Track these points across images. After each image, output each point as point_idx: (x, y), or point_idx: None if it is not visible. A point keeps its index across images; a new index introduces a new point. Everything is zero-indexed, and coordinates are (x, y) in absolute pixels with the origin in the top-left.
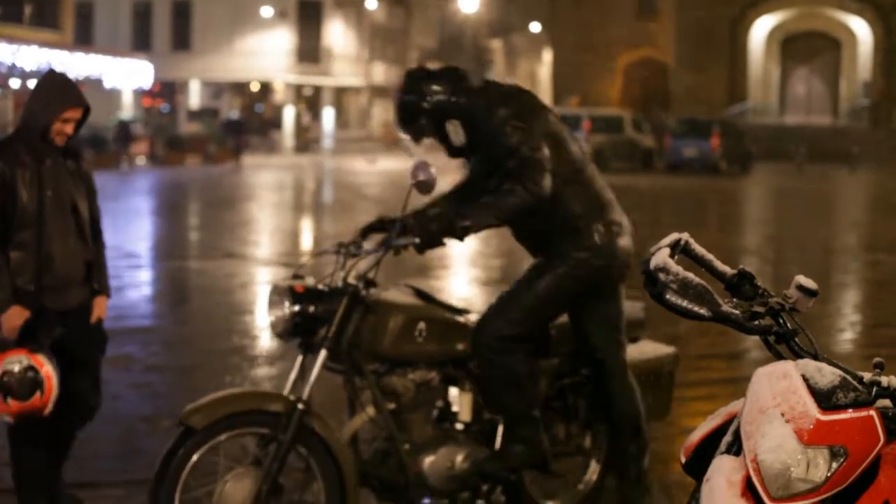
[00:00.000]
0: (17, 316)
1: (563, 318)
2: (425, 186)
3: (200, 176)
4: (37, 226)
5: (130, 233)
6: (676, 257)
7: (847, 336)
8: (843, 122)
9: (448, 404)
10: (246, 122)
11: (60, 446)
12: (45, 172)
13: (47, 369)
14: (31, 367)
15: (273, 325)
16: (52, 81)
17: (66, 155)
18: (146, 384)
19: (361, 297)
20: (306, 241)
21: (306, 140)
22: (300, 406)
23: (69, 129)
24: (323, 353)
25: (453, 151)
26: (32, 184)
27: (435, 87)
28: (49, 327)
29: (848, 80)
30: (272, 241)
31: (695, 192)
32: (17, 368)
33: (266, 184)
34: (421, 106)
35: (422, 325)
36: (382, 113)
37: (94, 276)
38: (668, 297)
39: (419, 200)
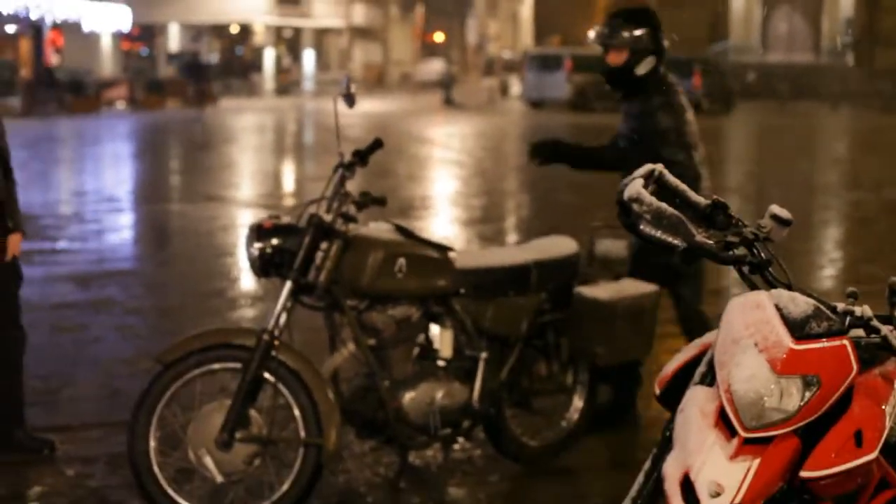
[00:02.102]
0: None
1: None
2: (351, 100)
3: (180, 119)
4: None
5: (110, 177)
6: (651, 188)
7: (828, 272)
8: (824, 59)
9: (429, 341)
10: (209, 65)
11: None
12: None
13: None
14: None
15: (251, 263)
16: None
17: None
18: (127, 326)
19: (336, 230)
20: (287, 183)
21: (286, 82)
22: (265, 337)
23: None
24: (288, 286)
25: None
26: None
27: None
28: None
29: (830, 17)
30: (253, 183)
31: None
32: None
33: (246, 127)
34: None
35: (402, 260)
36: (363, 54)
37: (8, 213)
38: (641, 227)
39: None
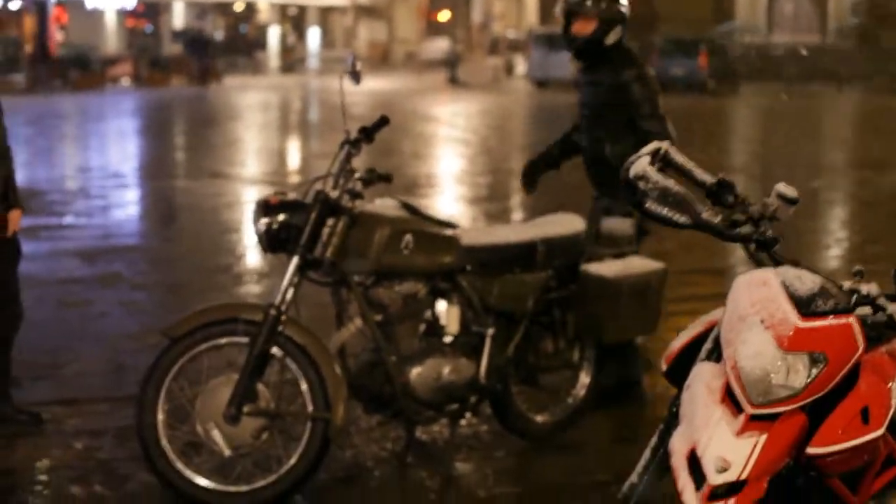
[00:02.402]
0: None
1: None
2: (356, 77)
3: (184, 96)
4: None
5: (115, 153)
6: (657, 166)
7: (834, 252)
8: (831, 40)
9: (435, 317)
10: (212, 41)
11: None
12: None
13: None
14: None
15: (258, 239)
16: None
17: None
18: (133, 302)
19: (342, 206)
20: (292, 161)
21: (291, 60)
22: (272, 311)
23: None
24: (294, 261)
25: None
26: None
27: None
28: None
29: None
30: (258, 160)
31: (682, 111)
32: None
33: (251, 104)
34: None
35: (408, 237)
36: (368, 32)
37: (8, 190)
38: (647, 205)
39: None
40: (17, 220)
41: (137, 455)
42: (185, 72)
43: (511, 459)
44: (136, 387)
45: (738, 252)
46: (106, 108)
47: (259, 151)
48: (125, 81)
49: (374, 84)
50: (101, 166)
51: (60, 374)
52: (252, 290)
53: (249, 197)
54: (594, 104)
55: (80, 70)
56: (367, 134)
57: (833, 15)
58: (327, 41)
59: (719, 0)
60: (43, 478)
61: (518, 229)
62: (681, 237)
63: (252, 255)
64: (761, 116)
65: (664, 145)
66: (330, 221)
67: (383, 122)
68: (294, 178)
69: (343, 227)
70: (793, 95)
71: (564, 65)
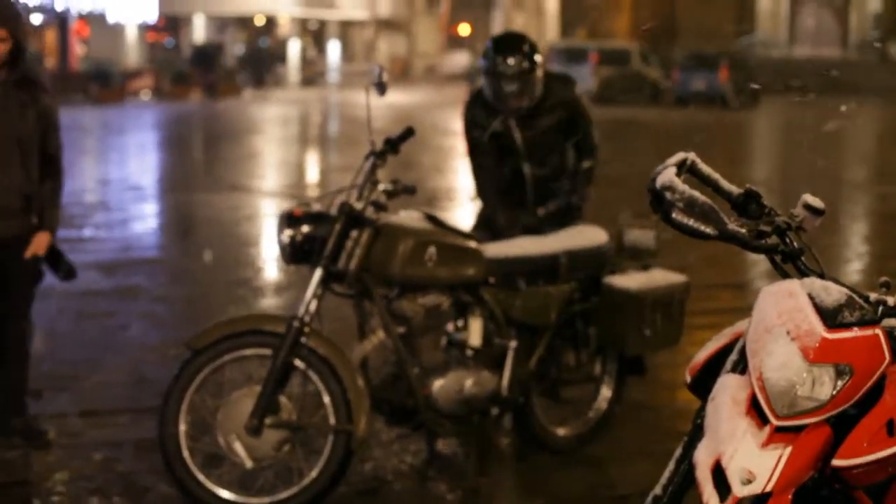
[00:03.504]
0: None
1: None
2: (382, 89)
3: (204, 110)
4: None
5: (135, 166)
6: (683, 177)
7: (855, 267)
8: (852, 54)
9: (458, 329)
10: (217, 54)
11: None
12: None
13: None
14: None
15: (282, 251)
16: None
17: (22, 86)
18: (153, 314)
19: (366, 218)
20: (312, 174)
21: (312, 74)
22: (295, 323)
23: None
24: (318, 273)
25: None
26: None
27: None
28: None
29: (858, 11)
30: (278, 173)
31: (703, 125)
32: None
33: (271, 117)
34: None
35: (432, 249)
36: (388, 46)
37: (43, 211)
38: (674, 215)
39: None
40: (42, 242)
41: (157, 467)
42: (202, 86)
43: (533, 473)
44: (156, 399)
45: (759, 267)
46: (126, 121)
47: (279, 165)
48: (145, 95)
49: (395, 98)
50: (121, 179)
51: (80, 386)
52: (272, 302)
53: (269, 210)
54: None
55: (100, 84)
56: (393, 145)
57: (855, 28)
58: (347, 55)
59: (740, 14)
60: (62, 489)
61: (541, 242)
62: (702, 251)
63: (272, 268)
64: (782, 130)
65: (690, 156)
66: (354, 233)
67: (409, 133)
68: (313, 192)
69: (367, 238)
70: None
71: (585, 78)
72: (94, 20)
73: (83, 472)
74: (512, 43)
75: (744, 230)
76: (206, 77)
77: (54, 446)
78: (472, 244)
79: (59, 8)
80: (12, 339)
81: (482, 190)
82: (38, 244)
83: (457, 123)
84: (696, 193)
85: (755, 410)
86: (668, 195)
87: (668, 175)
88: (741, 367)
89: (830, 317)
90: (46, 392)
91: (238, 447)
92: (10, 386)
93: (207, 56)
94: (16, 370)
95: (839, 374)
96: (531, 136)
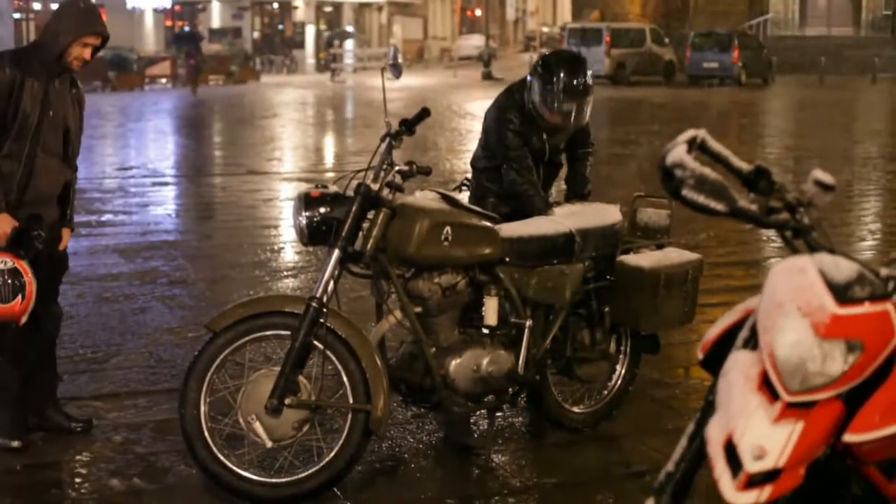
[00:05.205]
0: (6, 222)
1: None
2: (397, 70)
3: (222, 95)
4: (32, 140)
5: (153, 151)
6: (693, 154)
7: (867, 244)
8: (865, 32)
9: (474, 308)
10: (200, 37)
11: (32, 366)
12: (52, 92)
13: (30, 277)
14: (15, 271)
15: (299, 232)
16: (76, 6)
17: (70, 78)
18: (172, 297)
19: (383, 199)
20: (328, 157)
21: (327, 58)
22: (314, 304)
23: (87, 54)
24: (335, 254)
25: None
26: (38, 99)
27: None
28: (31, 241)
29: None
30: (294, 157)
31: (715, 105)
32: (1, 267)
33: (287, 102)
34: None
35: (448, 229)
36: (403, 30)
37: (68, 203)
38: (684, 192)
39: (390, 83)
40: (67, 238)
41: (177, 448)
42: (224, 71)
43: (547, 450)
44: (175, 381)
45: (769, 245)
46: (144, 107)
47: (295, 148)
48: (163, 81)
49: (410, 81)
50: (140, 164)
51: (101, 369)
52: (290, 284)
53: (285, 193)
54: None
55: (118, 70)
56: (409, 126)
57: (866, 6)
58: (362, 39)
59: None
60: (83, 471)
61: (556, 221)
62: (713, 229)
63: (289, 251)
64: (794, 109)
65: (700, 133)
66: (370, 214)
67: (424, 114)
68: (330, 175)
69: (384, 219)
70: (826, 87)
71: (598, 60)
72: (112, 6)
73: (103, 454)
74: (578, 65)
75: (754, 206)
76: (189, 62)
77: (72, 429)
78: (488, 224)
79: None
80: (44, 325)
81: (526, 182)
82: (65, 239)
83: (471, 105)
84: (707, 170)
85: (766, 386)
86: (678, 172)
87: (678, 152)
88: (752, 343)
89: (841, 292)
90: (67, 376)
91: (258, 427)
92: (54, 378)
93: (189, 39)
94: (51, 354)
95: (850, 349)
96: (554, 145)
